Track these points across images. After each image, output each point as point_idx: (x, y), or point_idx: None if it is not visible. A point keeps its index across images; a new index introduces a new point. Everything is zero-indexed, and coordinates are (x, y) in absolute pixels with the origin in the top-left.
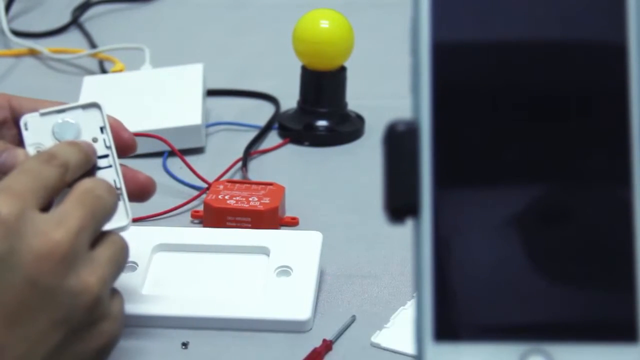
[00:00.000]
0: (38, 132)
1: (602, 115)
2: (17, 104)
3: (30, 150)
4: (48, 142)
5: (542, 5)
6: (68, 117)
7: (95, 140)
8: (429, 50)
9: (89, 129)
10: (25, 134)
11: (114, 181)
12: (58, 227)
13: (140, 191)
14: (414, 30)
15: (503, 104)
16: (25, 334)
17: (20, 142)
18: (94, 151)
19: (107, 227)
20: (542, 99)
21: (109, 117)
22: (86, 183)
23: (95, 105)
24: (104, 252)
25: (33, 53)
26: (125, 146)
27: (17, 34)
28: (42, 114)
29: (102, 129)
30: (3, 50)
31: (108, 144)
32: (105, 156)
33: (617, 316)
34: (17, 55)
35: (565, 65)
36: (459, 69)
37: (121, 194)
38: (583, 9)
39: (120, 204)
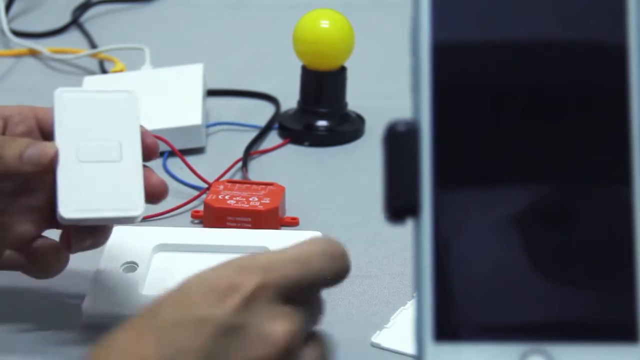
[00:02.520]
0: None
1: (602, 115)
2: (43, 114)
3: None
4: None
5: (542, 5)
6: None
7: None
8: (429, 50)
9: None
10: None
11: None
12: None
13: (151, 193)
14: (414, 30)
15: (503, 104)
16: None
17: None
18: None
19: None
20: (542, 99)
21: None
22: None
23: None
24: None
25: (33, 53)
26: (147, 151)
27: (17, 34)
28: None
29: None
30: (3, 50)
31: None
32: None
33: (617, 316)
34: (17, 55)
35: (565, 65)
36: (459, 69)
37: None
38: (583, 9)
39: (136, 192)
